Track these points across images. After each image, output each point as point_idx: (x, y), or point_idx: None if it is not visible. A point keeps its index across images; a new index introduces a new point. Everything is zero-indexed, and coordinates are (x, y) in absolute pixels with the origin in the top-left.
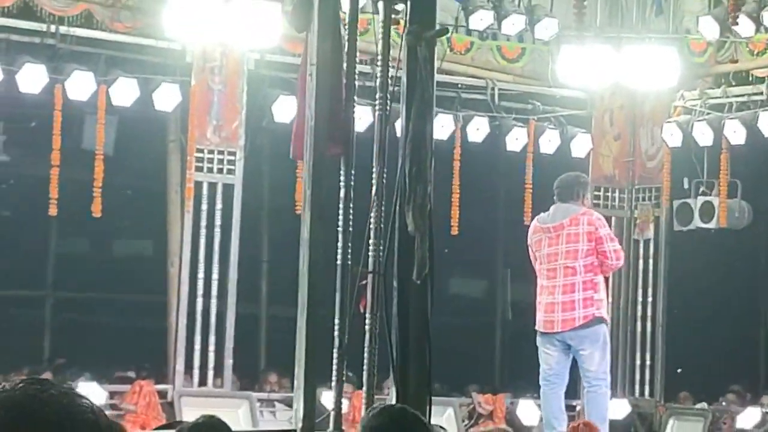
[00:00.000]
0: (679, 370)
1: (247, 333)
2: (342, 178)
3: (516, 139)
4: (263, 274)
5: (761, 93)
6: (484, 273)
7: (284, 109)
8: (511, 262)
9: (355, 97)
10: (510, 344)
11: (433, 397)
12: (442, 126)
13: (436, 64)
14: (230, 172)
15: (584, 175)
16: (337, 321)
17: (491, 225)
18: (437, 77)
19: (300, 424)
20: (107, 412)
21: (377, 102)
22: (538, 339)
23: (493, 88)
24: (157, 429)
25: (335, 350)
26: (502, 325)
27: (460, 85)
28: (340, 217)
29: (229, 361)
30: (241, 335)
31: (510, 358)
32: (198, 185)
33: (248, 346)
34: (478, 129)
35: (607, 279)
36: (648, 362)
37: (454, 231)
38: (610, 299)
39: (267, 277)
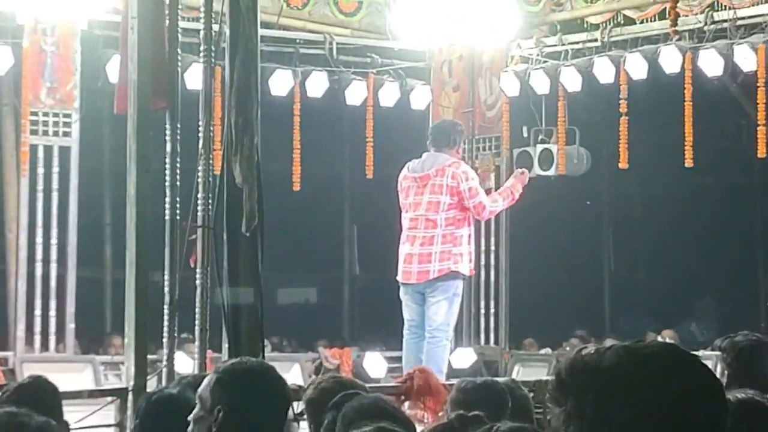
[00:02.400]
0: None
1: (92, 297)
2: (168, 132)
3: (355, 94)
4: (107, 238)
5: (596, 40)
6: (330, 228)
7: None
8: (358, 217)
9: (180, 51)
10: (358, 299)
11: (280, 354)
12: (281, 82)
13: (273, 19)
14: (66, 134)
15: (460, 123)
16: (167, 277)
17: (336, 180)
18: (274, 33)
19: (131, 382)
20: None
21: (201, 54)
22: (401, 290)
23: (331, 43)
24: None
25: (166, 306)
26: (350, 280)
27: (298, 41)
28: (167, 172)
29: (71, 326)
30: (85, 299)
31: (358, 312)
32: (33, 149)
33: (93, 310)
34: (318, 84)
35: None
36: (492, 310)
37: (296, 187)
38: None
39: (111, 240)
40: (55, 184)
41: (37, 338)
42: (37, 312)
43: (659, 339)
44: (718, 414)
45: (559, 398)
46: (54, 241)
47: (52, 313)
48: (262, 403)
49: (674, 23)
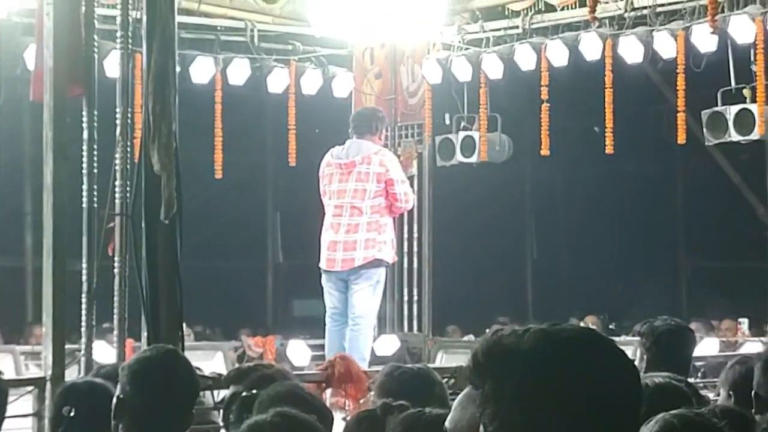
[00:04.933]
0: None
1: (13, 286)
2: (85, 118)
3: (277, 81)
4: (27, 227)
5: (517, 27)
6: (253, 216)
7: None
8: (281, 204)
9: (97, 38)
10: (282, 286)
11: (203, 342)
12: (202, 69)
13: (194, 6)
14: None
15: (381, 110)
16: (85, 265)
17: (259, 168)
18: (195, 20)
19: (50, 371)
20: None
21: (119, 41)
22: (323, 277)
23: (252, 30)
24: None
25: (84, 295)
26: (274, 268)
27: (219, 28)
28: (84, 159)
29: None
30: (6, 289)
31: (282, 300)
32: None
33: (14, 299)
34: (239, 71)
35: (394, 220)
36: (415, 297)
37: (218, 175)
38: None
39: (31, 229)
40: None
41: None
42: None
43: (582, 325)
44: (634, 398)
45: (476, 381)
46: None
47: None
48: (164, 390)
49: (593, 10)
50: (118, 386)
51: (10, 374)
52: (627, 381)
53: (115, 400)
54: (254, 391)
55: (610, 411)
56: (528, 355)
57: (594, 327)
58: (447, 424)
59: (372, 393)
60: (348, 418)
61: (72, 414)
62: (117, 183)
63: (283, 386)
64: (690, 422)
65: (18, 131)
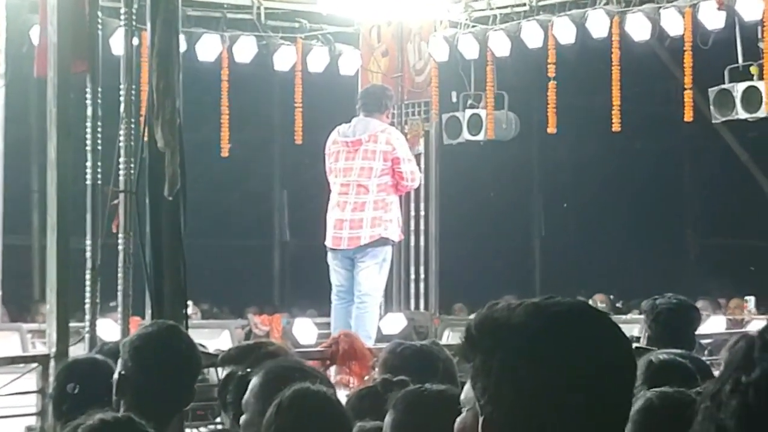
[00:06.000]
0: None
1: (20, 264)
2: (89, 95)
3: (284, 59)
4: (34, 205)
5: (524, 4)
6: (260, 194)
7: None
8: (288, 183)
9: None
10: (289, 265)
11: (209, 320)
12: (209, 47)
13: None
14: None
15: (390, 88)
16: (89, 242)
17: (266, 146)
18: None
19: (53, 349)
20: None
21: (122, 18)
22: (328, 255)
23: (258, 8)
24: None
25: (88, 272)
26: (281, 246)
27: (225, 5)
28: (88, 136)
29: None
30: (13, 267)
31: (289, 278)
32: None
33: (21, 277)
34: (246, 49)
35: (401, 198)
36: (422, 276)
37: (225, 153)
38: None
39: (38, 207)
40: None
41: None
42: None
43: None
44: (626, 371)
45: (468, 354)
46: None
47: None
48: (165, 366)
49: None
50: (119, 362)
51: (16, 352)
52: (619, 354)
53: (116, 376)
54: (249, 371)
55: (601, 384)
56: (518, 328)
57: (603, 305)
58: (462, 397)
59: (376, 370)
60: (350, 394)
61: (76, 391)
62: (121, 160)
63: (288, 361)
64: (669, 399)
65: (24, 109)
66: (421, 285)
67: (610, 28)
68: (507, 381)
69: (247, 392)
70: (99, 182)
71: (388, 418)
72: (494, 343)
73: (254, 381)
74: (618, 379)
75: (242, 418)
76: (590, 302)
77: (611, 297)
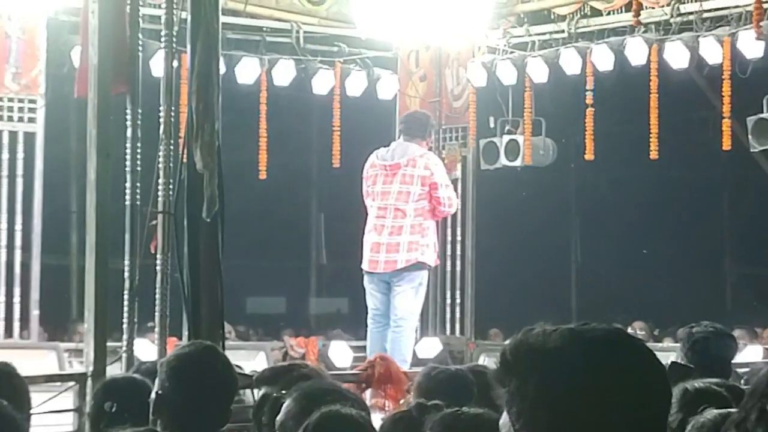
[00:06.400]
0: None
1: (58, 284)
2: (128, 116)
3: (322, 83)
4: (73, 225)
5: (563, 31)
6: (297, 217)
7: None
8: (325, 206)
9: (142, 37)
10: (326, 287)
11: (245, 342)
12: (248, 70)
13: (240, 7)
14: (32, 120)
15: (432, 116)
16: (127, 263)
17: (303, 169)
18: (241, 21)
19: (91, 368)
20: None
21: (163, 40)
22: (365, 278)
23: (298, 31)
24: None
25: (126, 292)
26: (317, 269)
27: (264, 29)
28: (128, 157)
29: (35, 313)
30: (51, 286)
31: (326, 301)
32: None
33: (59, 297)
34: (284, 72)
35: (437, 223)
36: (458, 300)
37: (263, 176)
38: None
39: (77, 227)
40: (19, 170)
41: (1, 324)
42: (2, 298)
43: (629, 330)
44: (661, 398)
45: (503, 379)
46: (18, 227)
47: (17, 299)
48: (202, 386)
49: (637, 14)
50: (157, 382)
51: (52, 371)
52: (654, 381)
53: (153, 395)
54: (283, 392)
55: (636, 411)
56: (553, 353)
57: (642, 332)
58: (500, 421)
59: (410, 394)
60: (385, 418)
61: (113, 410)
62: (160, 181)
63: (323, 383)
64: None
65: (65, 130)
66: (457, 310)
67: (649, 55)
68: (542, 406)
69: (281, 413)
70: (138, 203)
71: None
72: (529, 368)
73: (288, 402)
74: (653, 407)
75: None
76: (629, 329)
77: (649, 324)
